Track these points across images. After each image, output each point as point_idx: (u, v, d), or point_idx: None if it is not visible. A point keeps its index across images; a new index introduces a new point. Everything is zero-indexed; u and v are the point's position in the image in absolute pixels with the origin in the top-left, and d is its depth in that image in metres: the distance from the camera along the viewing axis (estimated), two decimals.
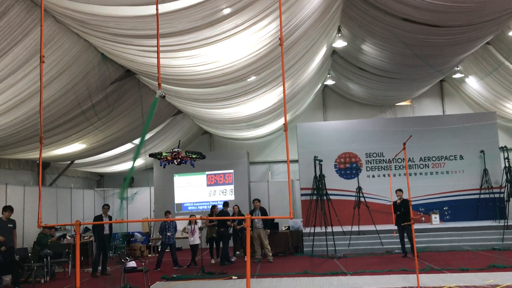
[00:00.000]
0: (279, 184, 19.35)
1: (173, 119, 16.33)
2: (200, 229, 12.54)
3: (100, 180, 20.86)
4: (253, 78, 10.89)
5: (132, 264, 9.40)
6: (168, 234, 12.45)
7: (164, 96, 4.75)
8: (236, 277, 10.33)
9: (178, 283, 10.14)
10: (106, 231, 11.77)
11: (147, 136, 16.46)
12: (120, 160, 17.44)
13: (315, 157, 15.60)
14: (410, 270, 10.02)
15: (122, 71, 10.73)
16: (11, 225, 10.46)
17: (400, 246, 12.85)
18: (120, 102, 11.82)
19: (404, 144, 7.73)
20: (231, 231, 13.27)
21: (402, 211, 12.34)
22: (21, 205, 13.82)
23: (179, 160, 11.68)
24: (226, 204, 13.66)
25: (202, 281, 10.24)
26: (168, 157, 11.80)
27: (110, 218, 12.12)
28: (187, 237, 12.98)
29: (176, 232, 12.82)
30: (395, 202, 12.81)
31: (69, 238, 13.29)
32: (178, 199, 17.96)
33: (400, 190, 12.79)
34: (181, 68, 9.00)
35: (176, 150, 12.00)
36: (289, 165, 4.66)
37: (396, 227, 13.03)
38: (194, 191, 18.09)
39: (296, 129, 18.03)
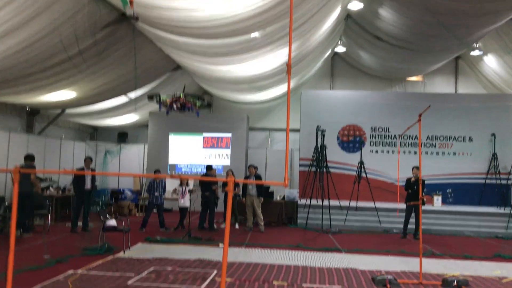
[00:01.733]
0: (278, 153, 18.63)
1: (171, 75, 15.44)
2: (190, 191, 11.85)
3: (93, 133, 20.12)
4: (256, 34, 9.97)
5: (112, 223, 8.73)
6: (155, 193, 11.78)
7: (137, 18, 3.91)
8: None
9: (161, 246, 9.51)
10: (88, 185, 11.07)
11: (141, 92, 15.62)
12: (114, 113, 16.63)
13: (317, 126, 14.79)
14: (409, 252, 9.38)
15: (115, 14, 9.79)
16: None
17: (400, 226, 12.15)
18: (111, 51, 10.92)
19: (420, 116, 6.92)
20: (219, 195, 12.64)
21: (415, 191, 11.49)
22: (5, 153, 13.14)
23: (179, 105, 10.86)
24: (209, 167, 12.90)
25: (187, 246, 9.61)
26: (167, 101, 10.98)
27: (93, 171, 11.42)
28: (177, 199, 12.31)
29: (165, 193, 12.16)
30: (408, 180, 11.88)
31: (52, 190, 12.62)
32: (172, 160, 17.26)
33: (417, 167, 11.80)
34: (179, 12, 8.08)
35: (179, 95, 11.16)
36: (289, 120, 3.87)
37: (401, 207, 12.26)
38: (189, 153, 17.37)
39: (301, 96, 17.20)
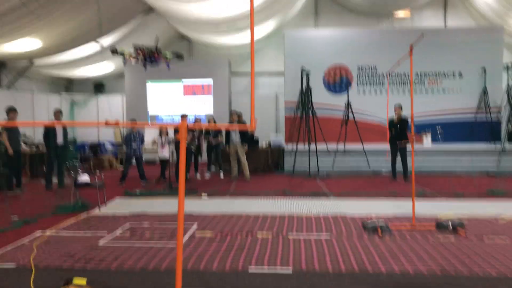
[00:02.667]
0: (263, 98, 17.95)
1: (144, 20, 14.43)
2: (169, 143, 11.23)
3: (69, 85, 19.17)
4: None
5: (85, 178, 8.16)
6: (133, 145, 11.17)
7: None
8: (206, 195, 9.23)
9: (140, 200, 9.02)
10: (60, 139, 10.39)
11: (114, 38, 14.63)
12: (88, 62, 15.69)
13: (302, 67, 14.03)
14: (400, 194, 9.01)
15: None
16: None
17: (389, 168, 11.79)
18: None
19: (411, 47, 6.25)
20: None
21: (398, 131, 11.06)
22: None
23: (144, 59, 10.03)
24: (183, 116, 12.19)
25: (168, 199, 9.13)
26: (131, 56, 10.14)
27: (64, 126, 10.72)
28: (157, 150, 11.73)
29: (143, 144, 11.56)
30: (391, 120, 11.39)
31: (24, 146, 11.93)
32: (152, 110, 16.53)
33: (399, 106, 11.33)
34: None
35: (142, 47, 10.24)
36: (253, 56, 3.20)
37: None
38: (170, 101, 16.63)
39: (284, 37, 16.32)
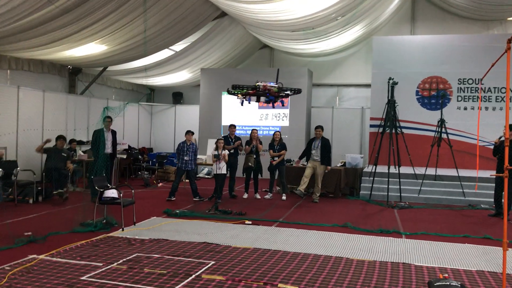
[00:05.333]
0: (347, 112, 16.23)
1: (218, 23, 13.58)
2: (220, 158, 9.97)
3: (150, 94, 19.06)
4: None
5: (112, 193, 7.24)
6: (185, 158, 10.19)
7: None
8: (250, 222, 7.88)
9: (176, 221, 7.93)
10: (108, 149, 9.72)
11: (184, 45, 13.97)
12: (160, 70, 15.23)
13: (389, 78, 12.12)
14: (496, 239, 6.90)
15: None
16: (65, 154, 10.14)
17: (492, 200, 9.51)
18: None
19: None
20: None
21: (499, 156, 8.77)
22: (40, 113, 12.28)
23: (265, 96, 9.01)
24: (231, 126, 11.17)
25: (207, 221, 7.93)
26: (249, 91, 9.18)
27: (114, 133, 10.06)
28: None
29: (197, 157, 10.57)
30: (499, 142, 8.94)
31: (82, 154, 11.55)
32: (225, 121, 15.58)
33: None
34: None
35: (260, 84, 9.28)
36: None
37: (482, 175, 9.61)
38: (244, 113, 15.58)
39: (372, 44, 14.56)
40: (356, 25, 13.88)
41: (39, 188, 9.59)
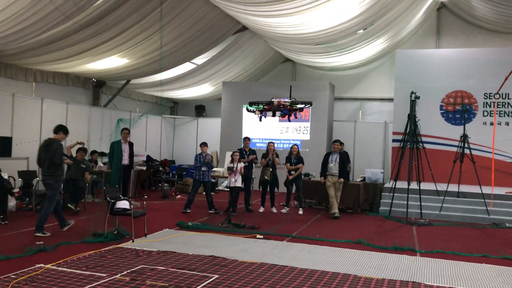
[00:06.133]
0: (370, 126, 16.01)
1: (238, 37, 13.66)
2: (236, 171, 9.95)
3: (174, 107, 19.28)
4: None
5: (124, 204, 7.29)
6: (202, 169, 10.21)
7: None
8: (261, 236, 7.78)
9: (188, 233, 7.91)
10: (125, 160, 9.83)
11: (205, 58, 14.10)
12: (182, 83, 15.39)
13: (412, 92, 11.89)
14: None
15: None
16: (84, 166, 10.21)
17: None
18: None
19: None
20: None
21: None
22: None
23: (281, 111, 9.25)
24: (246, 139, 11.41)
25: (218, 235, 7.88)
26: (265, 107, 9.41)
27: (131, 145, 10.16)
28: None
29: (212, 169, 10.59)
30: None
31: (102, 165, 11.71)
32: (246, 134, 15.54)
33: None
34: None
35: (274, 100, 9.55)
36: None
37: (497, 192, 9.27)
38: (265, 126, 15.55)
39: (395, 58, 14.36)
40: (379, 38, 13.74)
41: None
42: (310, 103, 9.46)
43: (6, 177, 9.22)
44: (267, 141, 14.78)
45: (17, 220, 8.47)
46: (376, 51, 14.91)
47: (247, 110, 10.21)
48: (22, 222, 8.30)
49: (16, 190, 9.38)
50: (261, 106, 9.52)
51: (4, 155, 10.16)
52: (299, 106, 9.30)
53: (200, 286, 4.92)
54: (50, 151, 7.33)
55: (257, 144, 15.41)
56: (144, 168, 13.51)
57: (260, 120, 9.92)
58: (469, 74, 13.41)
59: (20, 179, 9.66)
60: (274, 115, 9.62)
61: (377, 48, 14.71)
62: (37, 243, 6.57)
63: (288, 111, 9.17)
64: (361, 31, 12.27)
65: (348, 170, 10.86)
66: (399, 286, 5.20)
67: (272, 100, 9.14)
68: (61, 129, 7.73)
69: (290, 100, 9.02)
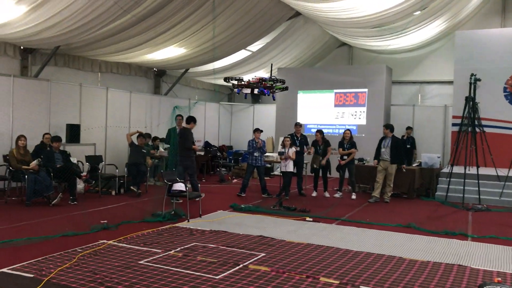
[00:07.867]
0: (429, 110, 15.60)
1: (292, 23, 13.75)
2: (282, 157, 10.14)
3: (231, 94, 19.69)
4: None
5: (180, 187, 7.73)
6: (255, 154, 10.50)
7: None
8: (311, 219, 7.96)
9: (241, 215, 8.24)
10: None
11: (260, 45, 14.30)
12: (241, 70, 15.68)
13: (472, 74, 11.48)
14: None
15: None
16: (144, 151, 10.92)
17: None
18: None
19: None
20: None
21: None
22: (126, 113, 13.30)
23: (249, 87, 9.40)
24: (297, 124, 11.42)
25: (270, 217, 8.15)
26: (238, 84, 9.59)
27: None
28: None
29: (264, 154, 10.85)
30: None
31: (162, 150, 12.30)
32: (300, 119, 15.67)
33: None
34: None
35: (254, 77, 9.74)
36: None
37: None
38: (320, 111, 15.60)
39: (455, 39, 13.86)
40: (437, 19, 13.30)
41: (121, 181, 10.42)
42: (283, 81, 9.35)
43: (75, 161, 9.97)
44: (322, 127, 14.93)
45: (85, 201, 9.19)
46: (435, 32, 14.42)
47: (224, 80, 9.72)
48: (89, 203, 9.01)
49: (84, 173, 10.10)
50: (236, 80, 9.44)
51: (73, 141, 10.96)
52: (278, 85, 9.18)
53: (247, 263, 5.21)
54: (182, 137, 9.11)
55: (312, 130, 15.46)
56: (202, 153, 14.02)
57: (238, 93, 9.81)
58: None
59: (87, 163, 10.40)
60: (252, 92, 9.52)
61: (436, 30, 14.23)
62: (101, 221, 7.14)
63: (264, 89, 9.02)
64: (418, 12, 11.95)
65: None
66: (443, 269, 5.22)
67: (253, 78, 9.20)
68: (192, 120, 9.80)
69: (270, 79, 9.01)
